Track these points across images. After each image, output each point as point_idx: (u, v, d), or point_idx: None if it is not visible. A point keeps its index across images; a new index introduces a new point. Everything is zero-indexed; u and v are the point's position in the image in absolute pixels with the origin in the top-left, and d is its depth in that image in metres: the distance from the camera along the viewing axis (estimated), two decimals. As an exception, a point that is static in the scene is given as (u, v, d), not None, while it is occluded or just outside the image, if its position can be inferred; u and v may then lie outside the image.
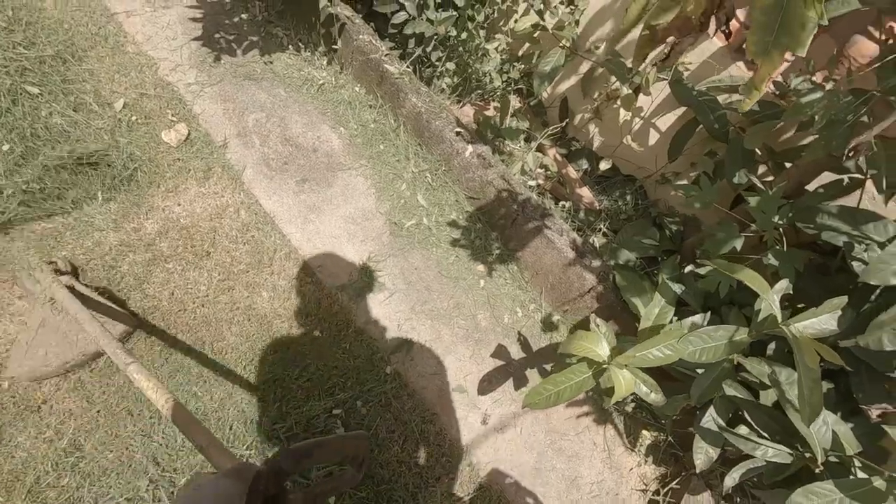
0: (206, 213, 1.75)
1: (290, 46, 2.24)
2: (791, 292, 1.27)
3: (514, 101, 2.52)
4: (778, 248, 1.54)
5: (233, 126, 1.98)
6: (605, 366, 1.12)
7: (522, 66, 2.37)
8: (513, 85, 2.43)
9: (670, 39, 0.75)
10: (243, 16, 2.28)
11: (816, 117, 1.23)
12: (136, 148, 1.78)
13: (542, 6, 1.94)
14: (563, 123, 2.23)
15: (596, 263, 1.74)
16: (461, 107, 2.38)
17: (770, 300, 1.09)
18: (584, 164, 2.37)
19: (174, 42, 2.12)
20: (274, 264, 1.72)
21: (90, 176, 1.68)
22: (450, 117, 1.97)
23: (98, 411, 1.38)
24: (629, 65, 2.06)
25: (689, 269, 1.79)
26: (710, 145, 1.93)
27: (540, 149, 2.34)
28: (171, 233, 1.69)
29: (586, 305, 1.77)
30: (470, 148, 1.87)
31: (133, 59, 2.00)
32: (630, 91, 1.97)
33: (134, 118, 1.85)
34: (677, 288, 1.70)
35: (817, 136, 1.34)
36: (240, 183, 1.85)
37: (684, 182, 2.13)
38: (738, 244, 1.58)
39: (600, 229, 2.10)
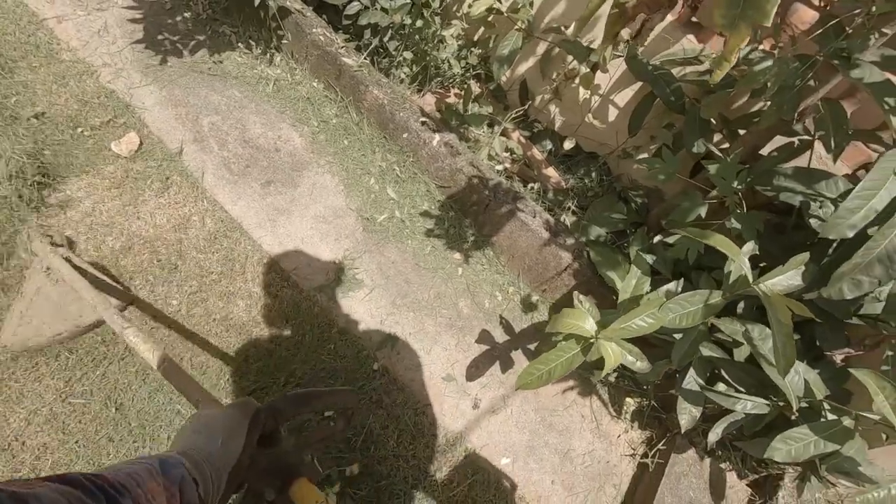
0: (169, 225, 1.68)
1: (239, 44, 2.16)
2: (757, 253, 1.34)
3: (474, 87, 2.52)
4: (739, 211, 1.62)
5: (187, 131, 1.89)
6: (592, 340, 1.15)
7: (480, 51, 2.36)
8: (472, 70, 2.42)
9: (640, 16, 0.77)
10: (186, 14, 2.17)
11: (769, 84, 1.29)
12: (85, 161, 1.69)
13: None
14: (525, 107, 2.24)
15: (570, 241, 1.78)
16: (422, 96, 2.36)
17: (741, 262, 1.15)
18: (549, 145, 2.40)
19: (114, 46, 2.00)
20: (247, 271, 1.67)
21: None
22: (413, 108, 1.95)
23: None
24: (585, 43, 2.09)
25: (657, 238, 1.86)
26: (668, 118, 1.99)
27: (503, 133, 2.35)
28: (134, 248, 1.61)
29: (564, 283, 1.81)
30: (437, 137, 1.86)
31: (70, 67, 1.88)
32: (588, 70, 2.00)
33: (79, 130, 1.75)
34: (649, 258, 1.76)
35: (769, 102, 1.40)
36: (201, 190, 1.78)
37: (645, 155, 2.20)
38: (703, 211, 1.65)
39: (569, 208, 2.14)
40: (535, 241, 1.78)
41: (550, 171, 2.33)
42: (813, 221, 1.34)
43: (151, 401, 1.41)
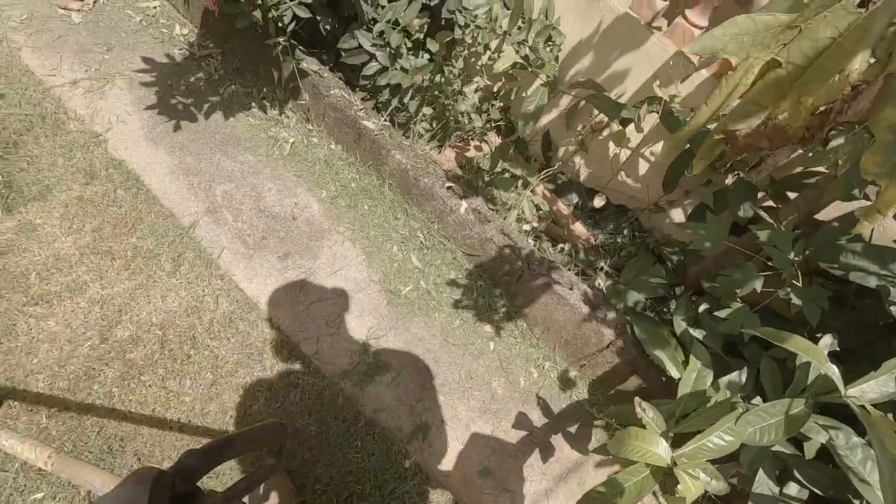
0: (181, 309, 1.57)
1: (253, 105, 2.07)
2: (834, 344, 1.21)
3: (494, 138, 2.43)
4: (797, 285, 1.49)
5: (200, 202, 1.79)
6: (667, 467, 1.01)
7: (501, 103, 2.27)
8: (493, 122, 2.33)
9: (761, 148, 0.66)
10: (199, 75, 2.10)
11: (840, 161, 1.18)
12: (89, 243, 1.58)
13: (523, 46, 1.85)
14: (556, 167, 2.14)
15: (611, 316, 1.65)
16: (441, 151, 2.26)
17: (829, 371, 1.02)
18: (575, 198, 2.30)
19: (123, 113, 1.91)
20: (265, 359, 1.55)
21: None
22: (438, 172, 1.85)
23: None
24: (614, 97, 2.00)
25: (703, 307, 1.73)
26: (708, 175, 1.88)
27: (527, 186, 2.25)
28: (143, 338, 1.49)
29: (606, 360, 1.68)
30: (464, 204, 1.76)
31: (77, 139, 1.79)
32: (620, 127, 1.90)
33: (84, 207, 1.65)
34: (697, 333, 1.63)
35: (837, 177, 1.29)
36: (215, 268, 1.67)
37: (680, 212, 2.08)
38: (758, 285, 1.52)
39: (602, 268, 2.02)
40: (573, 316, 1.65)
41: (578, 227, 2.21)
42: (894, 309, 1.21)
43: None
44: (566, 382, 1.76)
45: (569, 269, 1.95)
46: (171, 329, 1.52)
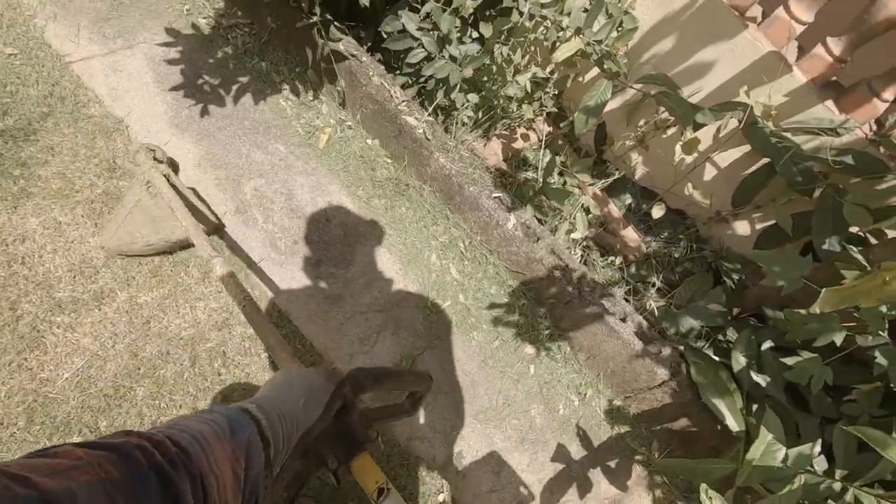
0: (210, 322, 1.50)
1: (285, 87, 1.90)
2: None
3: (543, 125, 2.21)
4: (886, 342, 1.34)
5: (229, 200, 1.68)
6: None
7: (555, 90, 2.04)
8: (543, 110, 2.11)
9: None
10: (227, 49, 1.91)
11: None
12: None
13: (591, 38, 1.61)
14: (622, 174, 1.93)
15: (665, 353, 1.53)
16: (486, 143, 2.07)
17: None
18: (627, 199, 2.11)
19: (146, 94, 1.77)
20: (298, 380, 1.48)
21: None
22: (485, 179, 1.68)
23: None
24: (686, 96, 1.76)
25: (767, 346, 1.59)
26: (789, 195, 1.67)
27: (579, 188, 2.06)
28: (172, 354, 1.44)
29: (656, 399, 1.57)
30: (512, 219, 1.60)
31: (99, 124, 1.67)
32: (693, 134, 1.68)
33: (108, 204, 1.55)
34: (760, 379, 1.50)
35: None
36: (246, 275, 1.58)
37: (746, 227, 1.89)
38: (839, 338, 1.37)
39: (654, 284, 1.87)
40: (623, 350, 1.53)
41: (630, 234, 2.04)
42: None
43: None
44: (608, 414, 1.67)
45: (619, 287, 1.81)
46: (200, 345, 1.46)
